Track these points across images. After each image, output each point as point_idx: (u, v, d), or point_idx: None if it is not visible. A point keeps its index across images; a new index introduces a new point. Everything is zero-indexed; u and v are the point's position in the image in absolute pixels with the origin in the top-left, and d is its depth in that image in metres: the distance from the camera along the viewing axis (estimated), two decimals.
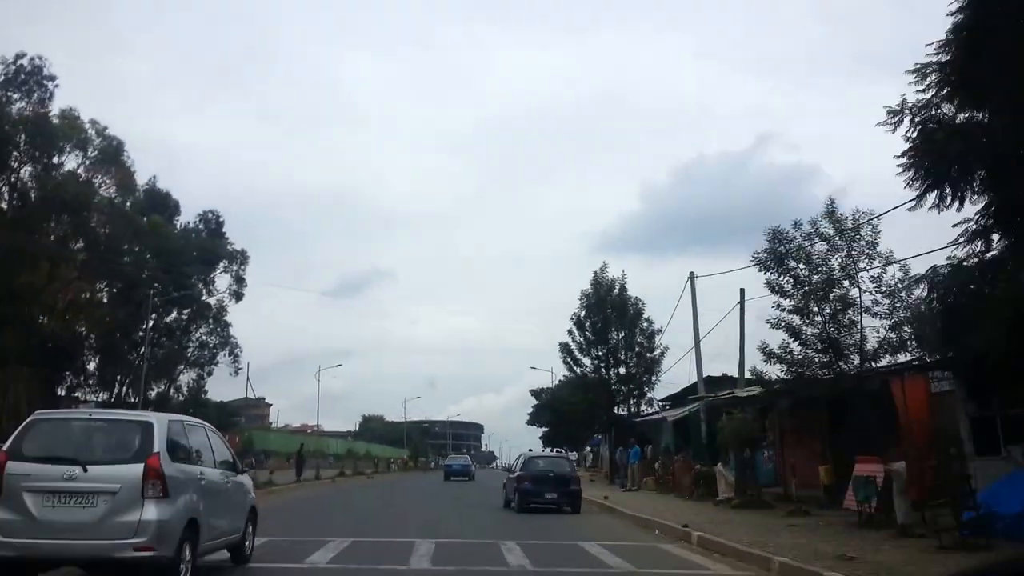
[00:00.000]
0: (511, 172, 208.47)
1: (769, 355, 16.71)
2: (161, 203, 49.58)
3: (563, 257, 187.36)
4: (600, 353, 36.49)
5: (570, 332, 37.23)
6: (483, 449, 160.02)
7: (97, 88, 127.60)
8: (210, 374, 52.79)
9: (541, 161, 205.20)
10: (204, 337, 52.57)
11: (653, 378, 35.72)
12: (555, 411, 65.57)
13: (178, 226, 50.45)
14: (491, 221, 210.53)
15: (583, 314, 36.83)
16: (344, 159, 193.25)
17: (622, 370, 36.25)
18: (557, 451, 43.01)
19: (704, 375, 29.24)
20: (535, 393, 74.86)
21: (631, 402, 36.93)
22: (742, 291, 26.49)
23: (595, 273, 36.94)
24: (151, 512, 7.09)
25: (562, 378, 72.45)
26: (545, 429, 74.70)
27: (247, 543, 9.73)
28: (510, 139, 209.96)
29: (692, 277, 29.32)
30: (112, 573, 7.44)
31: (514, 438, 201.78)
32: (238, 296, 53.21)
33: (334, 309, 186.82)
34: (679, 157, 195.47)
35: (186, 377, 52.75)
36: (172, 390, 51.17)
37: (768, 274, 16.92)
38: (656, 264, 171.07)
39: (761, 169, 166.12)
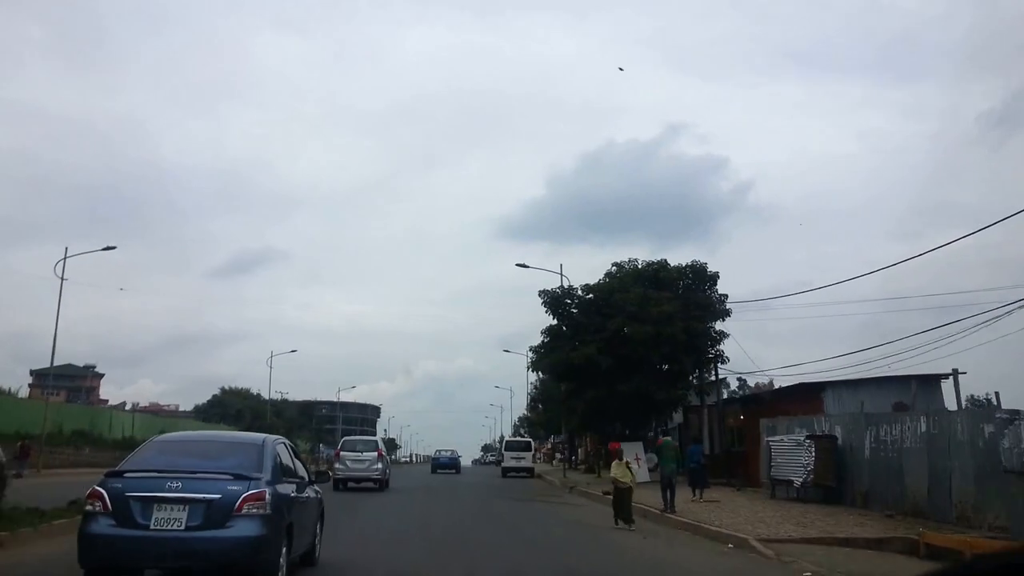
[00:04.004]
0: (416, 154, 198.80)
1: None
2: None
3: (465, 243, 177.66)
4: None
5: None
6: (382, 435, 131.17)
7: None
8: None
9: (447, 144, 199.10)
10: None
11: None
12: (615, 338, 30.25)
13: None
14: (393, 204, 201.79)
15: None
16: (243, 134, 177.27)
17: None
18: None
19: None
20: (552, 303, 33.41)
21: None
22: None
23: None
24: (381, 464, 26.67)
25: (612, 268, 34.09)
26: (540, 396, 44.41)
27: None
28: (416, 121, 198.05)
29: None
30: (369, 483, 26.14)
31: (416, 422, 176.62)
32: None
33: (225, 289, 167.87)
34: (587, 144, 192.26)
35: None
36: None
37: None
38: (560, 251, 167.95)
39: (669, 159, 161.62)
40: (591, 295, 33.01)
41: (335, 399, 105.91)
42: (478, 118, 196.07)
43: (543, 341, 34.09)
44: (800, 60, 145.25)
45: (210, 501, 7.34)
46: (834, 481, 19.74)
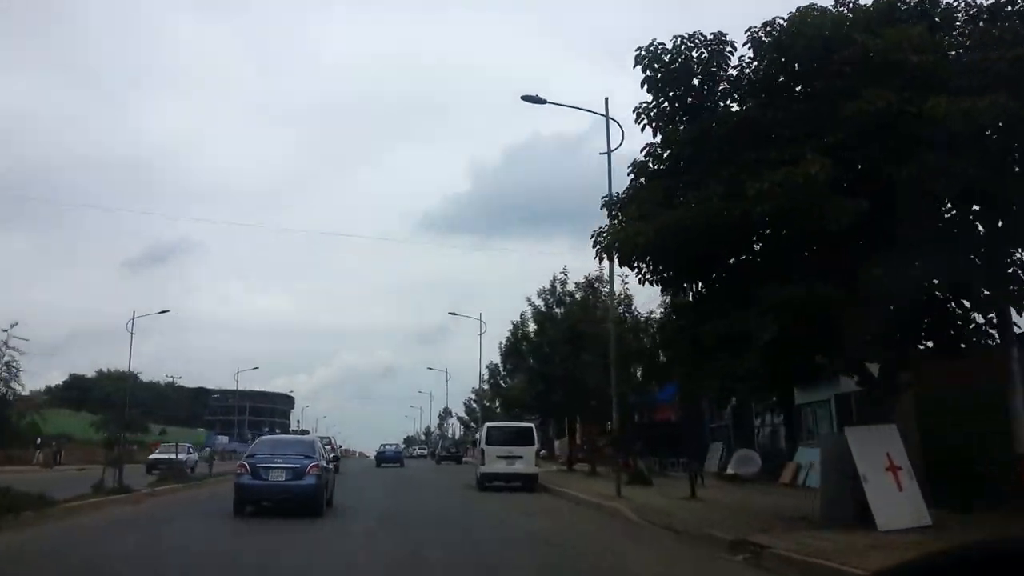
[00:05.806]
0: (338, 147, 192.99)
1: None
2: None
3: (386, 238, 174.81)
4: None
5: None
6: (295, 428, 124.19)
7: None
8: None
9: (370, 137, 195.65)
10: None
11: None
12: None
13: None
14: (314, 198, 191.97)
15: None
16: (157, 124, 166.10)
17: None
18: None
19: None
20: (668, 77, 11.65)
21: None
22: None
23: None
24: (333, 454, 30.10)
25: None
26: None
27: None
28: (338, 114, 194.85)
29: None
30: None
31: (334, 414, 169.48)
32: None
33: (138, 282, 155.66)
34: (512, 138, 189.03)
35: None
36: None
37: None
38: (484, 245, 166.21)
39: (596, 153, 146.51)
40: (777, 55, 11.35)
41: (247, 389, 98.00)
42: (401, 111, 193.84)
43: (636, 184, 12.66)
44: None
45: (295, 468, 14.87)
46: None
